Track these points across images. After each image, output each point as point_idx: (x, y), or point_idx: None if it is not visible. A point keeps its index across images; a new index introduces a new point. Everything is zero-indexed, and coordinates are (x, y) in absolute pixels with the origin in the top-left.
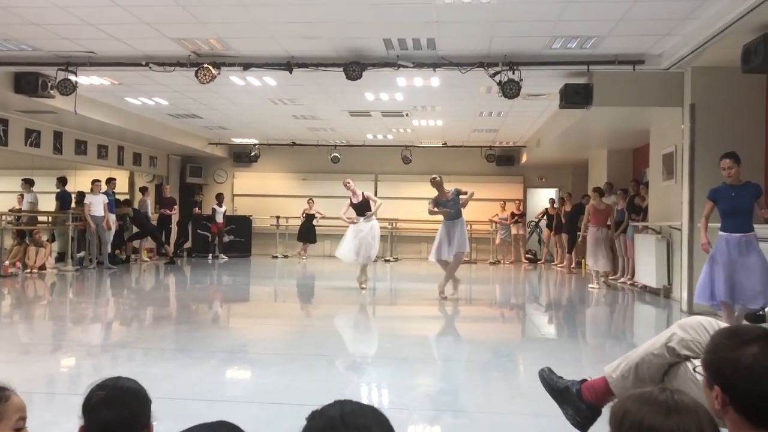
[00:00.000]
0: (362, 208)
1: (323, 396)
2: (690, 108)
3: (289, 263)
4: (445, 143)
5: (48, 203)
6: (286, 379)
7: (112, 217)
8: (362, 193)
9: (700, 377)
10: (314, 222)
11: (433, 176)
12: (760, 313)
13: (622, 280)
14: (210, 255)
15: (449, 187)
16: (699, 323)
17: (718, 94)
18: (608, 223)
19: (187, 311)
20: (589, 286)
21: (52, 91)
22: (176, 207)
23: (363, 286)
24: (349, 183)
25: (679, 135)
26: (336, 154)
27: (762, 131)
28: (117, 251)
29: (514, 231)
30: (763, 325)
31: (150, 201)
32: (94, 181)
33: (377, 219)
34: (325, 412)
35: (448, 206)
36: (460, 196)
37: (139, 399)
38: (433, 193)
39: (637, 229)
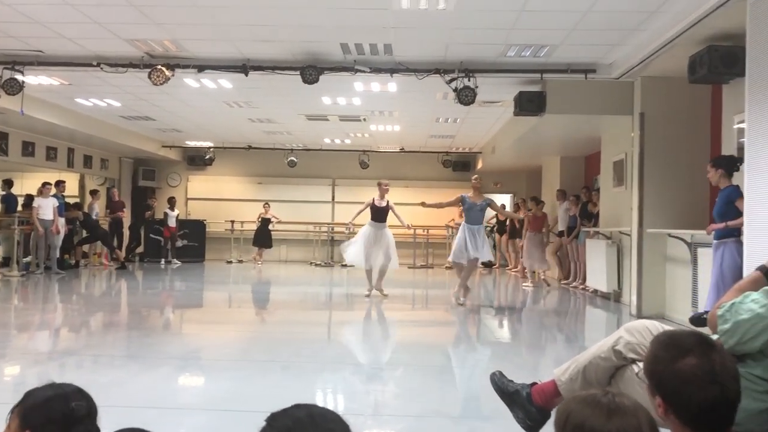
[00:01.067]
0: (381, 215)
1: (276, 402)
2: (639, 116)
3: (244, 268)
4: (403, 148)
5: None
6: (239, 386)
7: (62, 221)
8: (388, 201)
9: (644, 382)
10: (270, 227)
11: (476, 177)
12: (704, 316)
13: (573, 284)
14: (163, 260)
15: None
16: (644, 327)
17: (667, 103)
18: (544, 229)
19: (138, 317)
20: (523, 285)
21: None
22: (125, 209)
23: (384, 293)
24: (386, 185)
25: (629, 143)
26: (293, 158)
27: (707, 140)
28: (66, 256)
29: None
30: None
31: (97, 204)
32: (44, 184)
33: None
34: (290, 412)
35: (475, 210)
36: (505, 210)
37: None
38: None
39: (588, 235)
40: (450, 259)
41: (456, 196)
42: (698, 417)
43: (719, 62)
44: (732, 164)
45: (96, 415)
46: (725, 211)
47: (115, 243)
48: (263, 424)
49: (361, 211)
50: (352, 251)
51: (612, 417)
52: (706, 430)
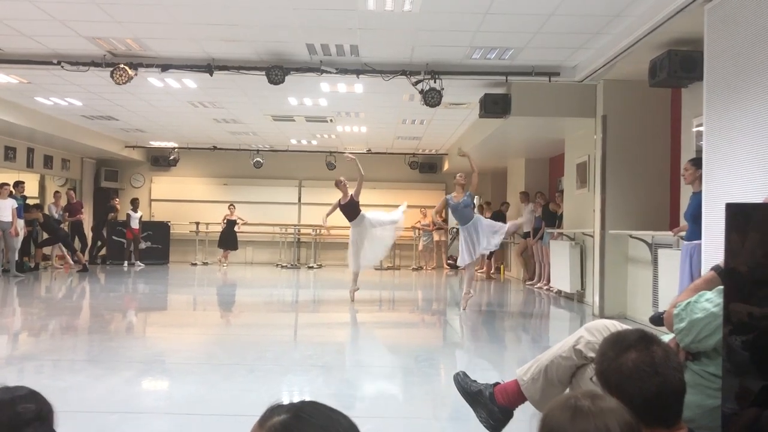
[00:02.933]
0: (352, 210)
1: (241, 406)
2: (602, 119)
3: (209, 270)
4: (370, 150)
5: None
6: (203, 390)
7: (21, 223)
8: (351, 195)
9: (597, 384)
10: (236, 228)
11: (461, 174)
12: (663, 316)
13: (538, 285)
14: (125, 262)
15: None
16: (604, 326)
17: (628, 107)
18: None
19: (100, 321)
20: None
21: None
22: (83, 210)
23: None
24: (342, 182)
25: (591, 145)
26: (259, 159)
27: (668, 142)
28: (26, 258)
29: (436, 237)
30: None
31: (56, 206)
32: (1, 185)
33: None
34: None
35: (459, 207)
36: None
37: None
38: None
39: (552, 236)
40: (460, 264)
41: (441, 201)
42: (645, 410)
43: (678, 66)
44: None
45: (49, 417)
46: (699, 214)
47: (79, 246)
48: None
49: (329, 213)
50: (353, 260)
51: (576, 420)
52: (656, 423)
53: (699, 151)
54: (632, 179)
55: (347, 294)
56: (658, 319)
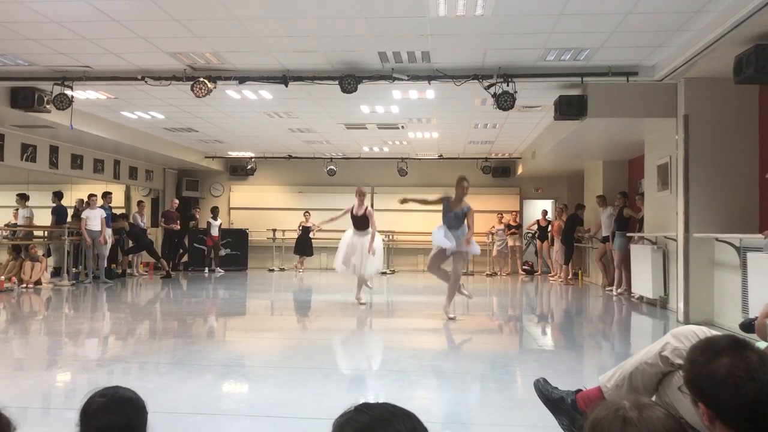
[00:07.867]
0: (361, 223)
1: (318, 409)
2: (684, 119)
3: (286, 276)
4: (441, 155)
5: (44, 218)
6: (281, 393)
7: (109, 231)
8: (367, 207)
9: (687, 394)
10: (311, 235)
11: (465, 183)
12: (754, 323)
13: (618, 290)
14: (206, 268)
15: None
16: (692, 332)
17: (712, 105)
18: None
19: (183, 325)
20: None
21: (48, 106)
22: (178, 221)
23: (361, 302)
24: (364, 193)
25: (673, 146)
26: (332, 167)
27: (755, 141)
28: (113, 265)
29: (510, 243)
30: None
31: (140, 215)
32: (90, 196)
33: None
34: (382, 405)
35: (451, 216)
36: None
37: (137, 408)
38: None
39: (633, 240)
40: (436, 246)
41: (439, 196)
42: (740, 418)
43: (767, 62)
44: None
45: (120, 410)
46: None
47: (170, 253)
48: (351, 411)
49: (335, 218)
50: (336, 259)
51: (626, 428)
52: None
53: None
54: (717, 180)
55: (420, 299)
56: (749, 326)
